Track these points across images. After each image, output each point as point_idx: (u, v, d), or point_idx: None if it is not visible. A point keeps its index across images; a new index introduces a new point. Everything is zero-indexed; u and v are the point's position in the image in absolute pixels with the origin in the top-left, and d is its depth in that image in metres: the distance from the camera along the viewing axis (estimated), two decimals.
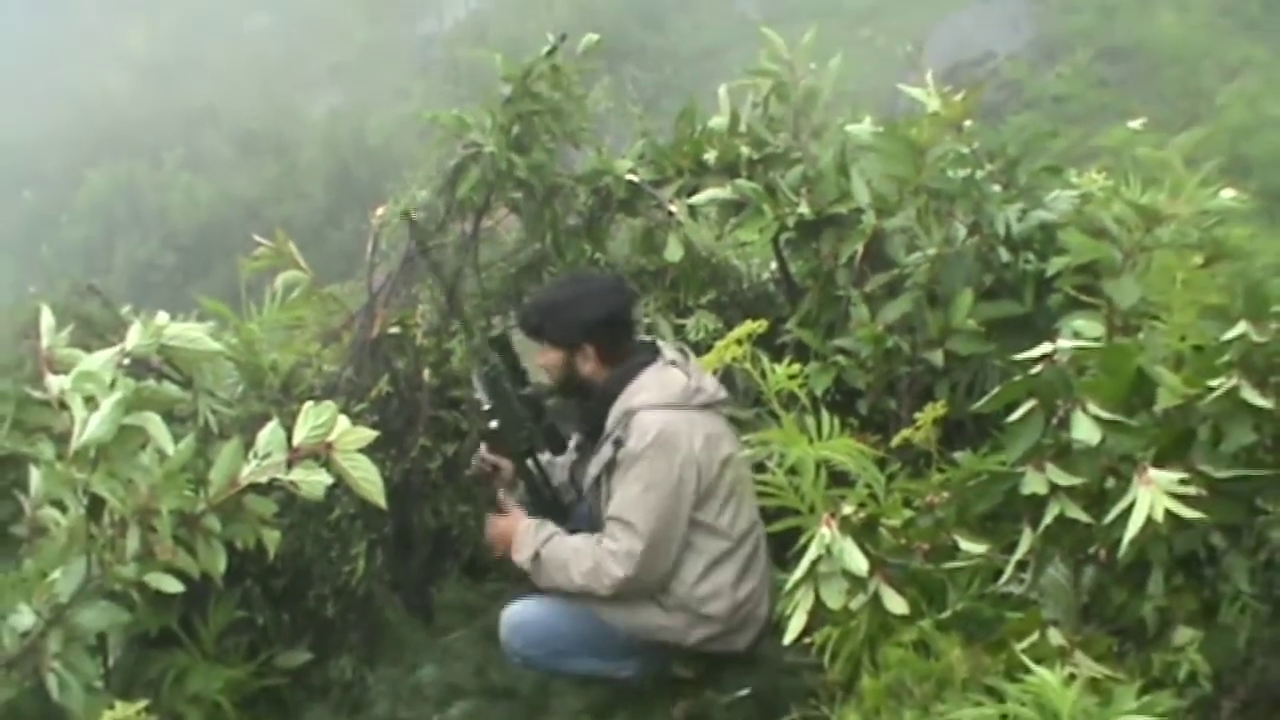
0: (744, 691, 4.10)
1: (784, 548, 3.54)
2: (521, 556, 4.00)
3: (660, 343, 4.12)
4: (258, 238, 4.68)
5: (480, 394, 4.14)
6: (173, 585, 3.23)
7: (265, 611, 4.31)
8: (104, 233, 24.07)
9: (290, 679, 4.31)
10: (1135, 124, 4.51)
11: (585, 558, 3.88)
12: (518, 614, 4.07)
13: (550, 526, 4.02)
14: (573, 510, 4.24)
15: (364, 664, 4.52)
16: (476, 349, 4.25)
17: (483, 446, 4.35)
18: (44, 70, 33.78)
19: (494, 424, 4.12)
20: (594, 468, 4.01)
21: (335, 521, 4.33)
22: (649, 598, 3.92)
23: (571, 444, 4.38)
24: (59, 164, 26.92)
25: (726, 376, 4.14)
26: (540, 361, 4.12)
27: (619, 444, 3.87)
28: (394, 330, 4.73)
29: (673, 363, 4.00)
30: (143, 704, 2.85)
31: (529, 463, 4.18)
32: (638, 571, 3.81)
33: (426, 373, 4.74)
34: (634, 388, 3.93)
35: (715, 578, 3.91)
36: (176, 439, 3.22)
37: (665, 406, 3.87)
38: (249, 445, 3.38)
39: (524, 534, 4.03)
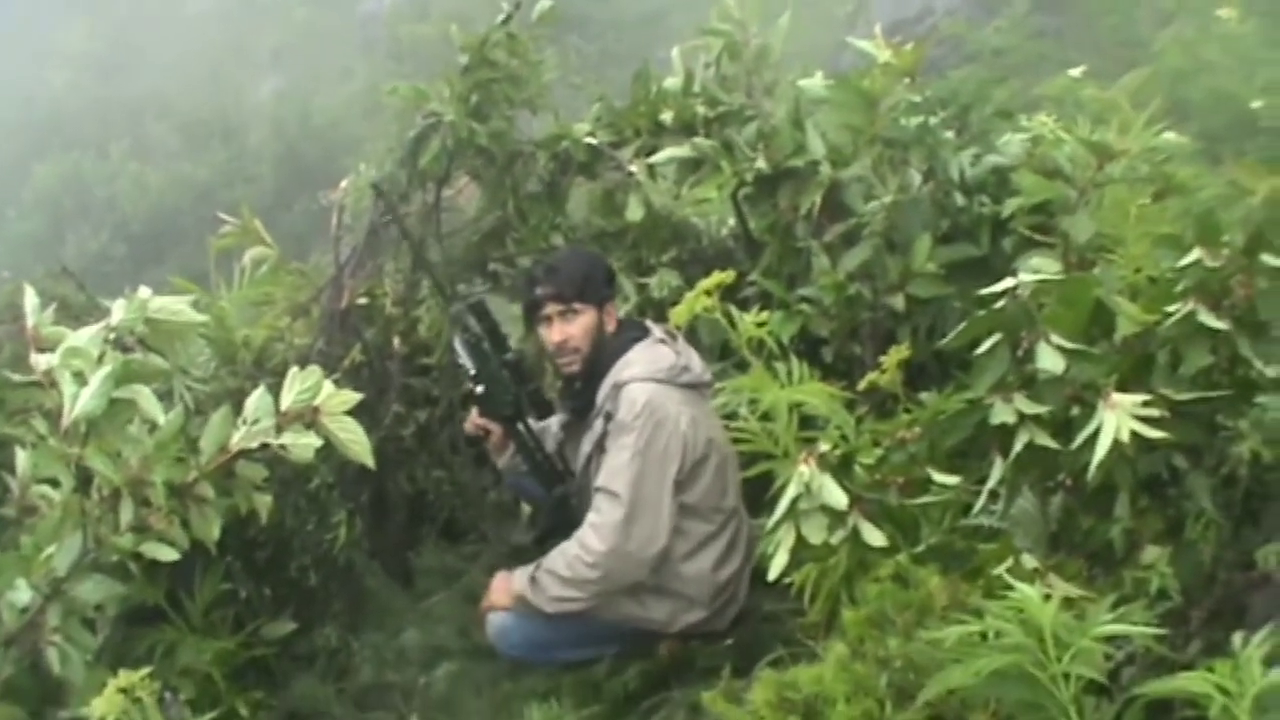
0: (727, 642, 4.15)
1: (759, 494, 3.64)
2: (520, 583, 3.95)
3: (649, 323, 4.13)
4: (223, 215, 4.72)
5: (463, 359, 4.16)
6: (169, 554, 3.26)
7: (248, 584, 4.32)
8: (52, 226, 23.69)
9: (277, 649, 4.34)
10: (1075, 72, 4.60)
11: (571, 545, 3.85)
12: (497, 623, 4.10)
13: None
14: (568, 480, 4.22)
15: (348, 631, 4.55)
16: (456, 315, 4.26)
17: (473, 411, 4.36)
18: None
19: (479, 389, 4.16)
20: (586, 445, 4.03)
21: (314, 491, 4.35)
22: (628, 593, 3.93)
23: (556, 424, 4.39)
24: (2, 159, 26.55)
25: (691, 334, 4.20)
26: (565, 334, 4.00)
27: (609, 417, 3.88)
28: (362, 301, 4.78)
29: (661, 341, 4.02)
30: (145, 671, 2.89)
31: (519, 426, 4.22)
32: (619, 541, 3.75)
33: (396, 341, 4.80)
34: (622, 363, 3.94)
35: (698, 560, 3.95)
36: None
37: (653, 380, 3.87)
38: (237, 413, 3.42)
39: (518, 570, 4.02)
